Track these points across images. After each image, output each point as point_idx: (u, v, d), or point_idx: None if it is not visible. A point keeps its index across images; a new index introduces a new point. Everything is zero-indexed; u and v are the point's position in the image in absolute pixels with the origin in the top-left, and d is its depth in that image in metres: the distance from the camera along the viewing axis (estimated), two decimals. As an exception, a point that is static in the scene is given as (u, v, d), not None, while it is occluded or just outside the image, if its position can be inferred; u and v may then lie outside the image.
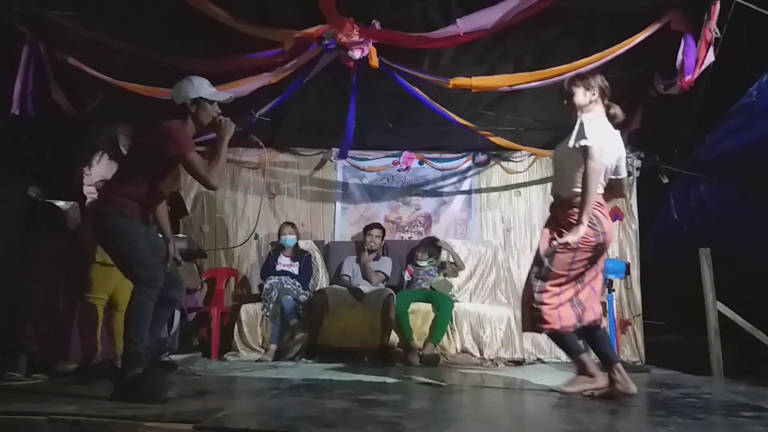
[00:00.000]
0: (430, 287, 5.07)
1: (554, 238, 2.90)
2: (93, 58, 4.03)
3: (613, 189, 3.13)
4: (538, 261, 2.99)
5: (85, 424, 2.00)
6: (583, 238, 2.81)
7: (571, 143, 2.90)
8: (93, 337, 3.38)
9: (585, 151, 2.81)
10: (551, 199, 3.06)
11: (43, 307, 3.51)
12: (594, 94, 3.00)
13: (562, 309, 2.91)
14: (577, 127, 2.91)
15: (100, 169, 3.48)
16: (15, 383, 3.09)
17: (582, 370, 3.01)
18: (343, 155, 5.64)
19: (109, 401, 2.42)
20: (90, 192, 3.53)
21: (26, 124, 3.97)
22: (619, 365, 2.94)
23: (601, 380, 2.95)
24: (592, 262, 2.93)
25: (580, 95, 3.01)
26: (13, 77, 3.89)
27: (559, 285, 2.92)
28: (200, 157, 2.72)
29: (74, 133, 4.03)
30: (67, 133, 4.19)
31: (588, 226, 2.81)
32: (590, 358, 3.07)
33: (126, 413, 2.09)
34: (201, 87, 2.83)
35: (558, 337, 2.98)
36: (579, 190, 2.87)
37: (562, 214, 2.96)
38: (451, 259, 5.31)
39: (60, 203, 3.83)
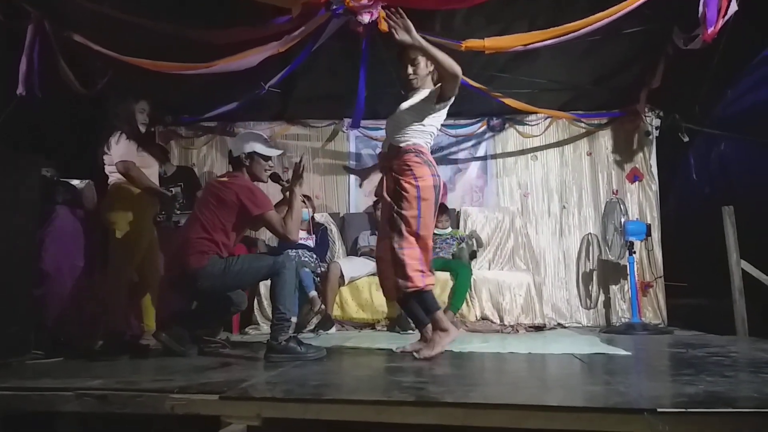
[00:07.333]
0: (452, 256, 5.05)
1: (398, 184, 2.94)
2: (100, 34, 3.97)
3: None
4: (389, 216, 2.99)
5: (112, 398, 2.01)
6: (426, 180, 2.91)
7: (405, 105, 3.07)
8: (118, 314, 3.39)
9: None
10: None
11: (64, 285, 3.52)
12: (429, 65, 3.05)
13: (423, 266, 2.91)
14: (416, 99, 3.08)
15: (120, 149, 3.44)
16: (40, 361, 3.10)
17: (436, 326, 2.98)
18: (355, 125, 5.57)
19: (135, 376, 2.43)
20: (111, 171, 3.49)
21: (36, 104, 3.94)
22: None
23: (455, 332, 3.01)
24: (431, 210, 2.96)
25: (423, 65, 3.08)
26: (18, 57, 3.85)
27: (416, 238, 2.91)
28: (278, 215, 3.07)
29: (85, 111, 4.00)
30: (77, 112, 4.16)
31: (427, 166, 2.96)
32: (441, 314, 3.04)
33: (152, 386, 2.10)
34: (256, 143, 3.19)
35: (418, 297, 2.95)
36: (409, 141, 3.00)
37: (397, 162, 3.00)
38: (471, 241, 5.23)
39: (75, 182, 3.82)
